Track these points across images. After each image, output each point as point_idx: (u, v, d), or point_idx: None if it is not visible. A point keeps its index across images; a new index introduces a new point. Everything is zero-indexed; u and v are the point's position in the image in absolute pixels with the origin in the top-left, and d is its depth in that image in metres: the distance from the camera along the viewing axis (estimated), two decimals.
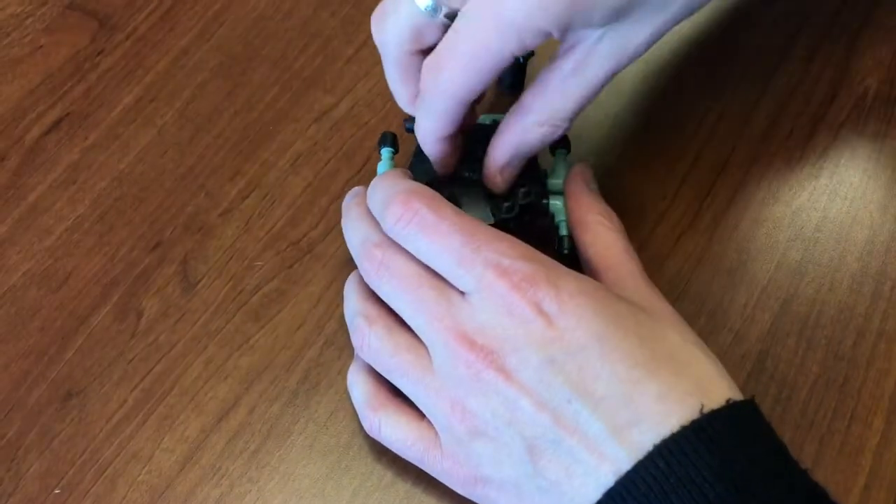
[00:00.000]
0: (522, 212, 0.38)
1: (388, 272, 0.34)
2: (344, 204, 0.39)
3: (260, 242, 0.43)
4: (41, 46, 0.48)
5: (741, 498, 0.28)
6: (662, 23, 0.34)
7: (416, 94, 0.38)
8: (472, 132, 0.40)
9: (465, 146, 0.39)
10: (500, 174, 0.38)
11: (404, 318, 0.34)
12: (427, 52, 0.36)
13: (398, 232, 0.34)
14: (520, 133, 0.36)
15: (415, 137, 0.38)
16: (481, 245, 0.33)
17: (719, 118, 0.45)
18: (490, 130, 0.38)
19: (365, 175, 0.44)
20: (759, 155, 0.44)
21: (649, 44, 0.34)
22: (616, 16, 0.33)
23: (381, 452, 0.37)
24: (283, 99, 0.47)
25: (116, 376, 0.39)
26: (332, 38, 0.49)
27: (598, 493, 0.30)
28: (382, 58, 0.38)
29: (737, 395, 0.31)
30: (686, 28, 0.48)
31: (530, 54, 0.43)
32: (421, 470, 0.35)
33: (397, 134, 0.42)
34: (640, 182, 0.44)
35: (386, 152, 0.41)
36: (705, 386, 0.31)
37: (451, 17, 0.34)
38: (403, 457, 0.35)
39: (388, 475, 0.37)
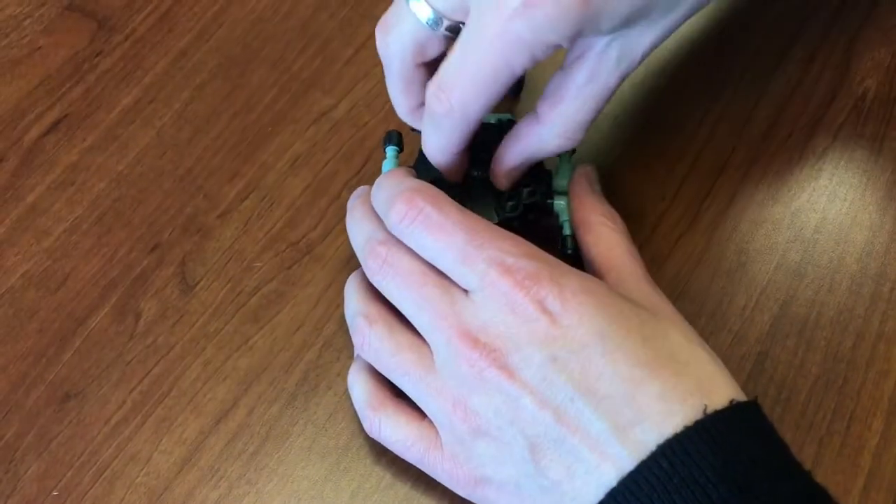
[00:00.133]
0: (527, 211, 0.38)
1: (392, 270, 0.34)
2: (349, 202, 0.39)
3: (259, 244, 0.42)
4: (40, 47, 0.48)
5: (744, 499, 0.28)
6: (669, 25, 0.34)
7: (417, 106, 0.38)
8: (477, 131, 0.40)
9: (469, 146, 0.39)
10: (506, 176, 0.38)
11: (407, 315, 0.34)
12: (430, 64, 0.36)
13: (402, 230, 0.34)
14: (536, 143, 0.37)
15: (419, 136, 0.38)
16: (485, 243, 0.33)
17: (719, 119, 0.45)
18: (494, 129, 0.38)
19: (364, 176, 0.44)
20: (759, 156, 0.44)
21: (656, 45, 0.35)
22: (625, 23, 0.33)
23: (380, 454, 0.37)
24: (282, 100, 0.47)
25: (115, 378, 0.39)
26: (330, 40, 0.49)
27: (600, 493, 0.30)
28: (385, 70, 0.37)
29: (740, 396, 0.31)
30: (686, 29, 0.48)
31: None
32: (420, 471, 0.35)
33: (402, 133, 0.42)
34: (639, 183, 0.44)
35: (391, 151, 0.41)
36: (708, 386, 0.31)
37: (453, 30, 0.34)
38: (403, 457, 0.35)
39: (387, 477, 0.37)
